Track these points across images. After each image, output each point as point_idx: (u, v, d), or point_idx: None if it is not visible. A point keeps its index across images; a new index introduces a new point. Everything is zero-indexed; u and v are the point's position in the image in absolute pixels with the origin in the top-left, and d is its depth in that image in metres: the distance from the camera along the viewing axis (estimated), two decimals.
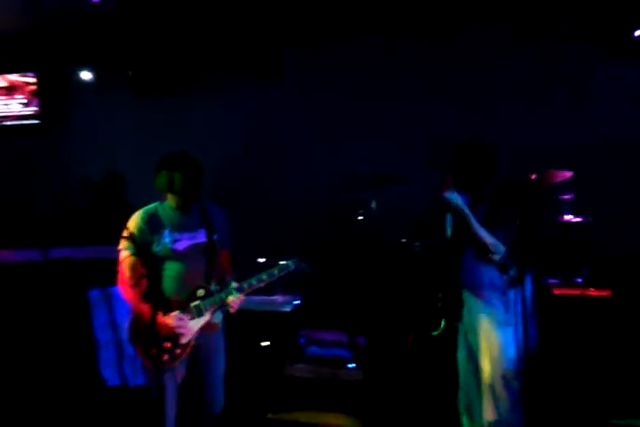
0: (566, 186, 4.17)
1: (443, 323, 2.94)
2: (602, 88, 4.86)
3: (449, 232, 3.05)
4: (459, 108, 5.08)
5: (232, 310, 3.06)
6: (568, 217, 4.30)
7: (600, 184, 4.61)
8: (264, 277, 3.08)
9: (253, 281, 3.08)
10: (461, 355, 3.03)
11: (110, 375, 4.57)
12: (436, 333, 2.96)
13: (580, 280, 4.21)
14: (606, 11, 4.71)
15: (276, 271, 3.09)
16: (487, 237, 2.78)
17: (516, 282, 2.80)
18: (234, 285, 3.06)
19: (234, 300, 3.03)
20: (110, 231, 3.09)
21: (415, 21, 5.10)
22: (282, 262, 3.14)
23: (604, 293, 4.04)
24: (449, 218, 3.08)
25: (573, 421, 3.60)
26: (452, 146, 3.03)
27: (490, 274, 2.86)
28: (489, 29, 5.07)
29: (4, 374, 4.46)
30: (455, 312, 2.96)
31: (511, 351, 2.77)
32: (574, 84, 4.91)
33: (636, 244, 4.55)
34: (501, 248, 2.80)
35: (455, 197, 2.82)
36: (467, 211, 2.81)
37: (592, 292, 4.07)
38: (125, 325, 4.37)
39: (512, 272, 2.81)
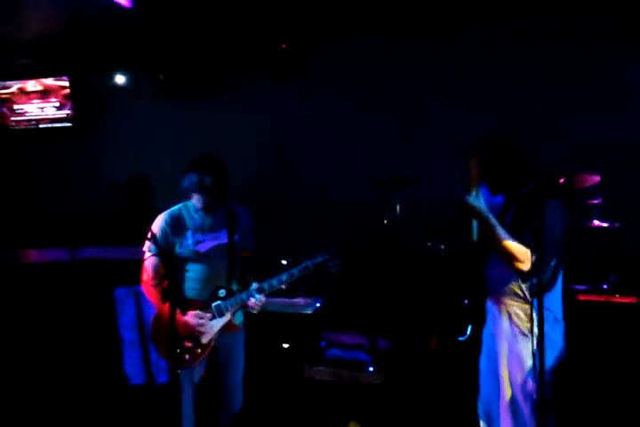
0: (594, 190, 4.09)
1: (469, 329, 2.90)
2: (627, 87, 4.77)
3: (475, 236, 2.83)
4: (477, 110, 5.06)
5: (254, 311, 3.08)
6: (596, 222, 4.23)
7: (628, 188, 4.52)
8: (284, 277, 3.08)
9: (274, 282, 3.08)
10: (483, 361, 2.97)
11: (134, 374, 4.65)
12: (462, 338, 2.92)
13: (606, 287, 4.14)
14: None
15: (295, 271, 3.09)
16: (512, 245, 2.57)
17: (541, 291, 2.58)
18: (254, 286, 3.07)
19: (255, 301, 3.05)
20: (137, 233, 3.15)
21: (429, 20, 5.07)
22: (302, 264, 3.11)
23: (630, 299, 3.97)
24: (475, 221, 2.89)
25: None
26: (479, 142, 2.82)
27: (512, 281, 2.72)
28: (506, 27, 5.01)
29: (32, 370, 4.57)
30: (481, 318, 2.88)
31: (530, 363, 2.62)
32: (598, 83, 4.83)
33: None
34: (528, 256, 2.54)
35: (476, 201, 2.63)
36: (489, 216, 2.61)
37: (617, 298, 4.00)
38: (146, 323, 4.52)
39: (535, 280, 2.59)
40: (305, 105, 5.54)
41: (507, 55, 5.05)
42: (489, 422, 2.89)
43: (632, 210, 4.41)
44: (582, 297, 4.00)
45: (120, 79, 6.00)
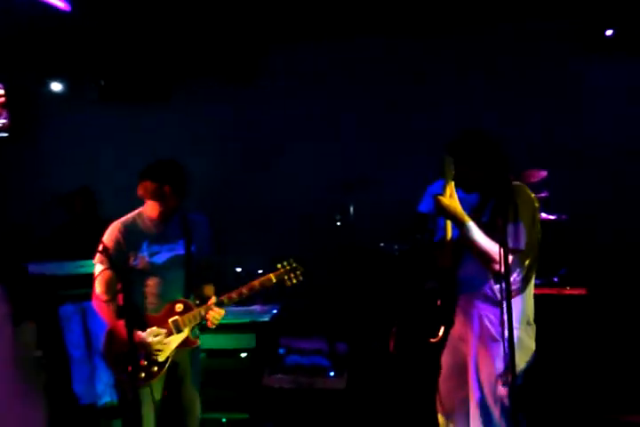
0: (541, 184, 4.19)
1: (442, 330, 2.80)
2: (577, 87, 4.93)
3: (442, 234, 2.75)
4: (438, 109, 5.10)
5: (211, 325, 2.97)
6: (543, 215, 4.31)
7: (574, 182, 4.67)
8: (245, 291, 2.98)
9: (234, 295, 2.98)
10: (446, 359, 2.90)
11: (83, 393, 4.45)
12: (434, 340, 2.87)
13: (556, 279, 4.24)
14: (581, 11, 4.77)
15: (257, 284, 2.99)
16: (488, 245, 2.47)
17: (513, 293, 2.52)
18: (214, 300, 2.97)
19: (214, 315, 2.94)
20: (84, 246, 3.00)
21: (385, 23, 5.08)
22: (263, 277, 3.01)
23: (580, 291, 4.09)
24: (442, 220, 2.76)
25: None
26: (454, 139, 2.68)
27: (484, 283, 2.64)
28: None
29: None
30: (452, 320, 2.80)
31: (502, 367, 2.57)
32: (551, 83, 4.97)
33: (610, 241, 4.61)
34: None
35: (451, 201, 2.53)
36: (464, 216, 2.51)
37: (568, 291, 4.11)
38: (100, 341, 4.33)
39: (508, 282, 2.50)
40: (253, 110, 5.46)
41: (465, 57, 5.13)
42: (447, 416, 2.86)
43: (579, 203, 4.54)
44: (534, 291, 4.08)
45: (58, 86, 5.72)
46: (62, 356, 4.45)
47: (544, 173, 4.14)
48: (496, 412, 2.61)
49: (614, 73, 4.91)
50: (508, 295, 2.34)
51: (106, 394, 4.32)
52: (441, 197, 2.55)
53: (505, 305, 2.34)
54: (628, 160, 4.81)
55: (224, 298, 2.97)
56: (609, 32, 4.73)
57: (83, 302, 4.20)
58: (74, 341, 4.48)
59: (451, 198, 2.55)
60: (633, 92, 4.89)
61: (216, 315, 2.94)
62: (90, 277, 3.02)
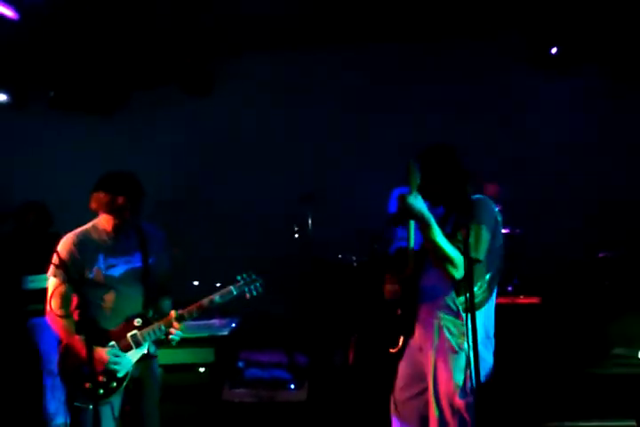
0: (495, 198, 4.30)
1: (402, 340, 2.80)
2: (523, 101, 5.10)
3: (411, 243, 2.73)
4: (397, 121, 5.18)
5: (173, 343, 2.91)
6: None
7: (527, 195, 4.81)
8: (205, 303, 2.93)
9: (194, 309, 2.91)
10: (403, 366, 2.87)
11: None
12: (394, 350, 2.85)
13: (510, 289, 4.35)
14: (527, 29, 4.96)
15: (218, 298, 2.94)
16: (450, 249, 2.45)
17: (474, 306, 2.49)
18: (175, 314, 2.90)
19: (175, 332, 2.88)
20: (35, 260, 2.90)
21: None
22: (223, 290, 2.97)
23: (533, 300, 4.21)
24: (413, 227, 2.72)
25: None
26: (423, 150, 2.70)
27: (446, 294, 2.63)
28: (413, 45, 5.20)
29: None
30: (412, 329, 2.78)
31: (461, 380, 2.56)
32: (498, 97, 5.14)
33: (561, 253, 4.76)
34: (461, 265, 2.47)
35: (416, 201, 2.47)
36: (430, 216, 2.47)
37: (521, 299, 4.23)
38: (51, 357, 4.18)
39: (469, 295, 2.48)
40: (210, 120, 5.44)
41: (419, 71, 5.27)
42: (401, 420, 2.86)
43: (530, 216, 4.68)
44: None
45: (3, 97, 5.54)
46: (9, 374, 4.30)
47: (497, 187, 4.26)
48: (453, 424, 2.60)
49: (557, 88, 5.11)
50: (472, 307, 2.35)
51: (59, 414, 4.19)
52: (406, 196, 2.48)
53: (469, 317, 2.34)
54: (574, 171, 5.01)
55: (184, 312, 2.90)
56: (554, 50, 4.95)
57: (33, 318, 4.07)
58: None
59: (416, 199, 2.48)
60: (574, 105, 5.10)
61: (177, 331, 2.88)
62: (40, 293, 2.93)
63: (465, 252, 2.39)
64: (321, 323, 4.73)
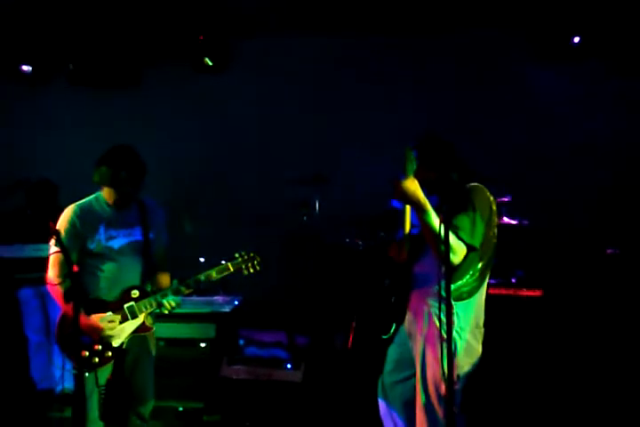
0: (504, 189, 4.26)
1: (393, 327, 2.81)
2: (538, 91, 5.02)
3: (406, 229, 2.74)
4: (394, 110, 5.15)
5: (165, 312, 2.96)
6: (506, 219, 4.40)
7: (535, 188, 4.76)
8: (202, 278, 2.98)
9: (190, 282, 2.97)
10: (392, 350, 2.90)
11: (41, 378, 4.42)
12: (386, 336, 2.85)
13: (514, 280, 4.33)
14: (547, 19, 4.85)
15: (214, 273, 2.99)
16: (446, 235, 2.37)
17: (465, 295, 2.59)
18: (172, 286, 2.95)
19: (170, 302, 2.93)
20: (41, 230, 2.96)
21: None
22: (222, 264, 3.02)
23: (536, 292, 4.18)
24: (409, 213, 2.74)
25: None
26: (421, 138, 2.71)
27: (438, 282, 2.56)
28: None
29: None
30: (403, 317, 2.79)
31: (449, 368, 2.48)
32: (511, 87, 5.06)
33: (566, 245, 4.71)
34: (461, 248, 2.47)
35: (413, 184, 2.44)
36: (425, 200, 2.45)
37: (524, 292, 4.20)
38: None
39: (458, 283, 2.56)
40: (224, 99, 5.43)
41: (420, 64, 5.20)
42: (388, 404, 2.87)
43: (537, 208, 4.63)
44: (492, 291, 4.11)
45: (25, 68, 5.61)
46: (19, 340, 4.41)
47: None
48: (440, 411, 2.62)
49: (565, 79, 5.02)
50: (448, 295, 2.33)
51: (63, 380, 4.30)
52: (401, 181, 2.45)
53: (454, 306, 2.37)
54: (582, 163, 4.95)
55: (181, 285, 2.96)
56: (576, 39, 4.83)
57: (42, 286, 4.17)
58: (33, 325, 4.45)
59: (412, 182, 2.46)
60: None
61: (172, 302, 2.93)
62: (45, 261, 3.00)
63: (446, 239, 2.34)
64: (324, 306, 4.76)
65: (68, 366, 3.77)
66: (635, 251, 4.38)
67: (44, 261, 3.03)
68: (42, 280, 3.04)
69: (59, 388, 4.29)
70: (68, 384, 4.08)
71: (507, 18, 4.84)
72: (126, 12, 4.88)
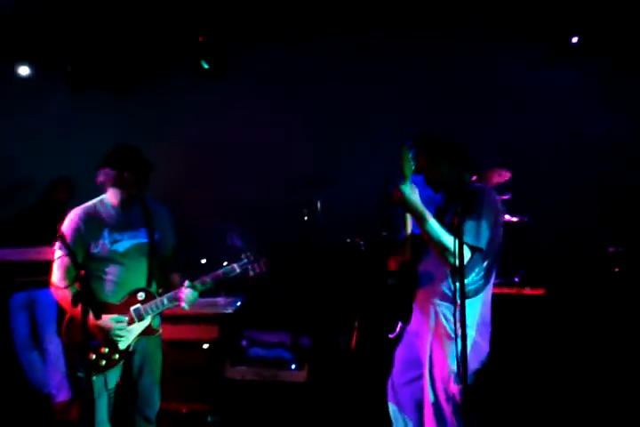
0: (504, 186, 4.26)
1: (399, 326, 2.81)
2: (540, 89, 5.03)
3: (408, 229, 2.76)
4: (395, 110, 5.14)
5: (183, 304, 2.93)
6: (506, 217, 4.40)
7: (537, 184, 4.76)
8: (208, 279, 2.98)
9: (197, 284, 2.96)
10: (400, 351, 2.91)
11: (40, 384, 4.38)
12: (392, 335, 2.85)
13: (517, 279, 4.34)
14: (548, 17, 4.87)
15: (221, 274, 2.99)
16: (447, 238, 2.42)
17: (469, 293, 2.56)
18: (187, 283, 2.94)
19: (187, 293, 2.90)
20: (48, 233, 2.94)
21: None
22: (227, 266, 3.02)
23: (539, 291, 4.19)
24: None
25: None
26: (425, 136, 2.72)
27: (443, 281, 2.64)
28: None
29: None
30: (409, 316, 2.79)
31: (455, 366, 2.55)
32: (513, 85, 5.07)
33: (568, 244, 4.73)
34: (465, 255, 2.42)
35: (411, 194, 2.45)
36: (423, 209, 2.45)
37: (527, 291, 4.21)
38: (48, 331, 4.25)
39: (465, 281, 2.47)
40: (223, 102, 5.43)
41: (409, 59, 5.20)
42: (398, 406, 2.88)
43: (539, 205, 4.63)
44: (495, 290, 4.11)
45: (26, 71, 5.57)
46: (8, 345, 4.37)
47: (508, 175, 4.20)
48: (448, 410, 2.62)
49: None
50: (463, 295, 2.34)
51: (63, 385, 4.27)
52: (401, 189, 2.46)
53: (459, 303, 2.34)
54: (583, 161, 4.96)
55: (198, 284, 2.95)
56: (574, 39, 4.85)
57: (33, 290, 4.13)
58: (20, 329, 4.40)
59: (410, 191, 2.47)
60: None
61: (189, 294, 2.91)
62: (43, 265, 2.97)
63: (460, 242, 2.35)
64: (327, 306, 4.75)
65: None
66: (638, 249, 4.39)
67: (37, 265, 2.99)
68: (32, 284, 3.01)
69: (60, 392, 4.26)
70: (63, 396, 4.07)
71: (506, 17, 4.85)
72: (126, 15, 4.86)
